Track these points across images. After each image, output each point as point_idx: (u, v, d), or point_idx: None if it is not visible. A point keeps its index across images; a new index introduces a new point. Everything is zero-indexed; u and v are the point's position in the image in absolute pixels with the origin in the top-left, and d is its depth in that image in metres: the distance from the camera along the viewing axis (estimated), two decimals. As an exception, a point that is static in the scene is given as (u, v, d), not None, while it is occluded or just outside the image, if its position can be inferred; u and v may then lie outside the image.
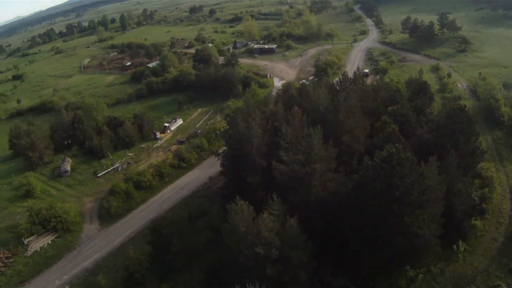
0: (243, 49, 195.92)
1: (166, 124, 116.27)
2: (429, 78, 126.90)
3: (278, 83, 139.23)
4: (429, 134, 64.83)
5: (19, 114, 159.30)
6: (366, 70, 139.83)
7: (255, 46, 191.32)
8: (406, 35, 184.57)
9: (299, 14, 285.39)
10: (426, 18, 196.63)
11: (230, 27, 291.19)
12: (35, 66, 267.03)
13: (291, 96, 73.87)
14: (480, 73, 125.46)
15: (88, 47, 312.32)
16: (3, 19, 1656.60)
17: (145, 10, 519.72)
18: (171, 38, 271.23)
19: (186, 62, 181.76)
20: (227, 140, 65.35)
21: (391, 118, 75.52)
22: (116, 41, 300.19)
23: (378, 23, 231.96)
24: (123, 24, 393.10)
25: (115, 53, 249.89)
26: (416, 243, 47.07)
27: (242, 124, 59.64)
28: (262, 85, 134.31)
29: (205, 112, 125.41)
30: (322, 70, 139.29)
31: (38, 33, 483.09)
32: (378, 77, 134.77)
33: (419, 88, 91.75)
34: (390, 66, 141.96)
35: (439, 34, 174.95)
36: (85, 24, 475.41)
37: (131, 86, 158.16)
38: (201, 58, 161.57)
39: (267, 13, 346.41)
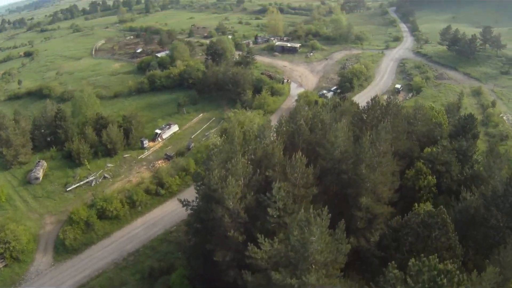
0: (264, 45, 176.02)
1: (158, 131, 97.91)
2: (470, 105, 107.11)
3: (295, 91, 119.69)
4: (477, 202, 45.80)
5: (17, 97, 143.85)
6: (398, 86, 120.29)
7: (277, 43, 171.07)
8: (444, 47, 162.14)
9: (330, 11, 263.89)
10: (467, 30, 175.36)
11: (256, 18, 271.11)
12: (50, 43, 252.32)
13: (298, 128, 54.32)
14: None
15: (107, 27, 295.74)
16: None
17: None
18: (192, 25, 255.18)
19: (200, 54, 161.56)
20: (199, 189, 45.00)
21: (427, 164, 57.27)
22: (136, 24, 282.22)
23: (414, 30, 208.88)
24: (147, 6, 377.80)
25: (131, 37, 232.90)
26: None
27: (217, 172, 40.51)
28: (275, 92, 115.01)
29: (207, 118, 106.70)
30: (347, 80, 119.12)
31: (61, 9, 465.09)
32: (410, 95, 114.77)
33: (463, 123, 72.19)
34: (426, 84, 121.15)
35: (480, 50, 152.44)
36: (110, 3, 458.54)
37: (136, 77, 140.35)
38: (215, 52, 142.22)
39: (297, 8, 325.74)
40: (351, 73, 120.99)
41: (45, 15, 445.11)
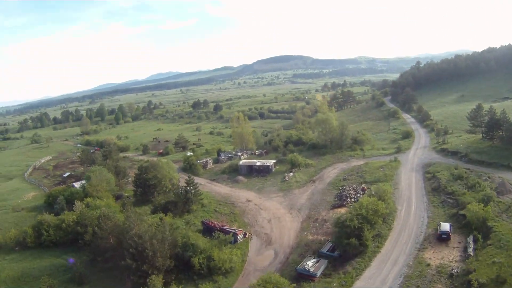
0: (226, 164, 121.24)
1: None
2: None
3: (256, 256, 61.18)
4: None
5: None
6: (446, 227, 60.36)
7: (241, 161, 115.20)
8: (478, 137, 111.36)
9: (317, 111, 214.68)
10: (486, 107, 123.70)
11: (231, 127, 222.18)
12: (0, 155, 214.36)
13: None
14: None
15: (66, 140, 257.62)
16: (32, 97, 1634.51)
17: (149, 102, 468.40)
18: (154, 138, 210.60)
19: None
20: None
21: None
22: (94, 137, 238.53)
23: (424, 119, 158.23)
24: (117, 116, 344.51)
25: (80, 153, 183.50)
26: None
27: None
28: (214, 270, 55.68)
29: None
30: (351, 232, 56.87)
31: (31, 116, 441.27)
32: (472, 244, 54.68)
33: None
34: (491, 212, 61.01)
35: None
36: (83, 112, 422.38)
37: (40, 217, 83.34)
38: (144, 183, 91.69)
39: (279, 111, 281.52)
40: (359, 218, 58.81)
41: (18, 122, 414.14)
